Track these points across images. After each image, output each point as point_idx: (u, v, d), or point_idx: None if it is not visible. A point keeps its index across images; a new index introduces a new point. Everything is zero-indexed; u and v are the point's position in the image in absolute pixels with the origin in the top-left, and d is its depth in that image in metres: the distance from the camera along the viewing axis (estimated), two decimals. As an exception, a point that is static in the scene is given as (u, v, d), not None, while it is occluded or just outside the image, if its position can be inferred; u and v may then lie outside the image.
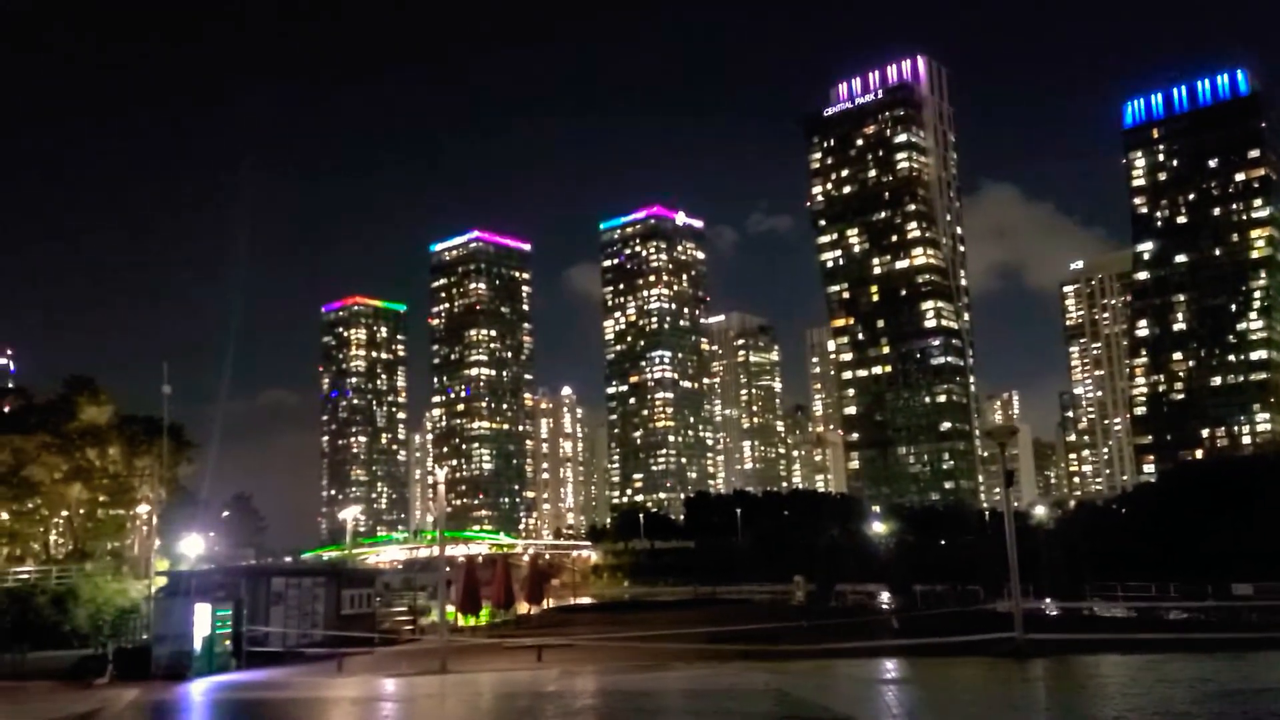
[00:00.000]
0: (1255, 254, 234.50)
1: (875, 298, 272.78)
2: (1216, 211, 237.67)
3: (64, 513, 63.72)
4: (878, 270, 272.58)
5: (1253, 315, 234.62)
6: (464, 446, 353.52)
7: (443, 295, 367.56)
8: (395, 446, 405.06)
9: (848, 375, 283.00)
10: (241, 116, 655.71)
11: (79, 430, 60.88)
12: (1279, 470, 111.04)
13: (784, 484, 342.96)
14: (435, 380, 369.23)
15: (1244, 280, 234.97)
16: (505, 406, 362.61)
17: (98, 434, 61.53)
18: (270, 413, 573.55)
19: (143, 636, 40.28)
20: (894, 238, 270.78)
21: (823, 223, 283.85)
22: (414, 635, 51.59)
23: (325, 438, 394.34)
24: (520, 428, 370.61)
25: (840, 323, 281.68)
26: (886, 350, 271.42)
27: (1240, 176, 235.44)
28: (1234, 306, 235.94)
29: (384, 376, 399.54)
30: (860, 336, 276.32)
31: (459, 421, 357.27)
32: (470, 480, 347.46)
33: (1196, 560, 70.30)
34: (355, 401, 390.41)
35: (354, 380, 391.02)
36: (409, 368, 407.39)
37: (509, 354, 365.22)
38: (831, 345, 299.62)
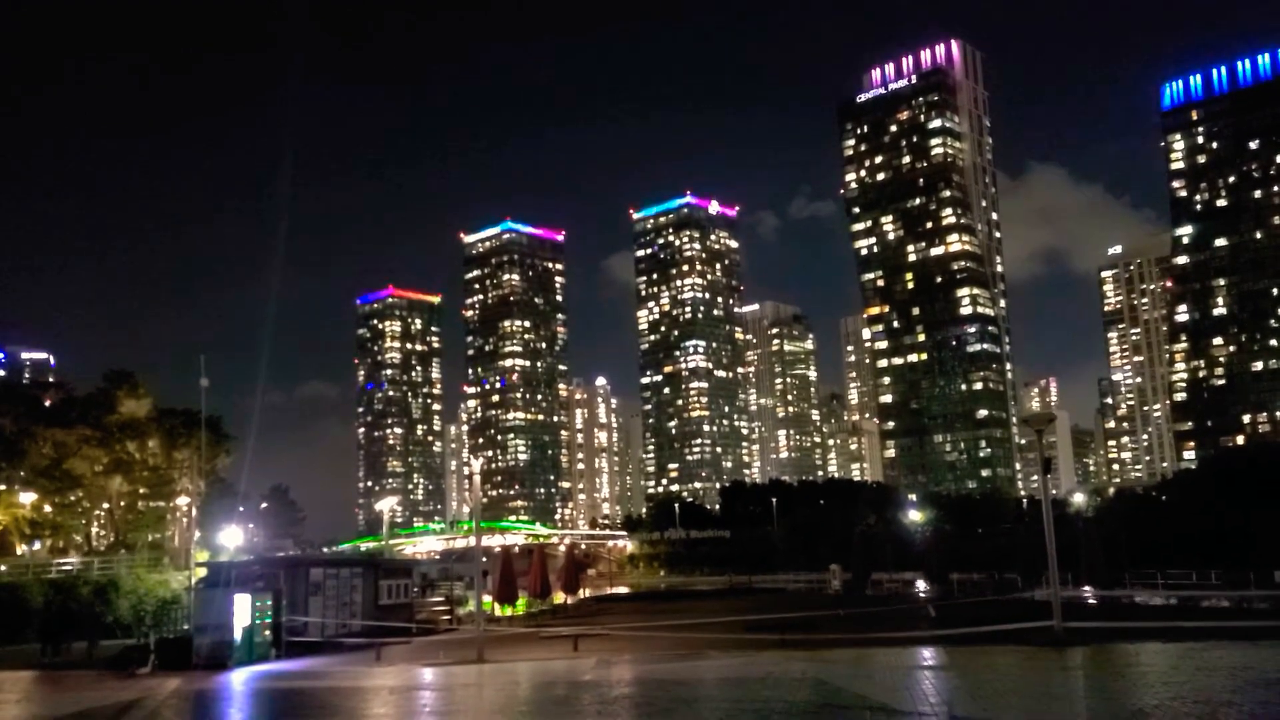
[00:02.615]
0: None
1: (910, 285, 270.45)
2: (1258, 194, 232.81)
3: (105, 505, 64.79)
4: (912, 257, 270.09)
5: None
6: (499, 437, 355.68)
7: (476, 287, 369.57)
8: (431, 438, 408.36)
9: (883, 363, 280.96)
10: (279, 114, 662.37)
11: (119, 423, 61.81)
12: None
13: (819, 473, 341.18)
14: (470, 371, 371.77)
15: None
16: (540, 397, 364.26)
17: (137, 427, 62.47)
18: (309, 405, 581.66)
19: (184, 627, 40.87)
20: (929, 224, 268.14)
21: (857, 210, 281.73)
22: (451, 625, 51.95)
23: (361, 430, 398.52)
24: (555, 418, 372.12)
25: (875, 310, 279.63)
26: (922, 338, 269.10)
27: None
28: (1276, 290, 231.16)
29: (419, 368, 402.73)
30: (895, 324, 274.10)
31: (494, 412, 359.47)
32: (505, 471, 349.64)
33: (1239, 548, 69.11)
34: (391, 393, 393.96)
35: (389, 372, 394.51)
36: (444, 359, 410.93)
37: (543, 345, 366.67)
38: (866, 333, 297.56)
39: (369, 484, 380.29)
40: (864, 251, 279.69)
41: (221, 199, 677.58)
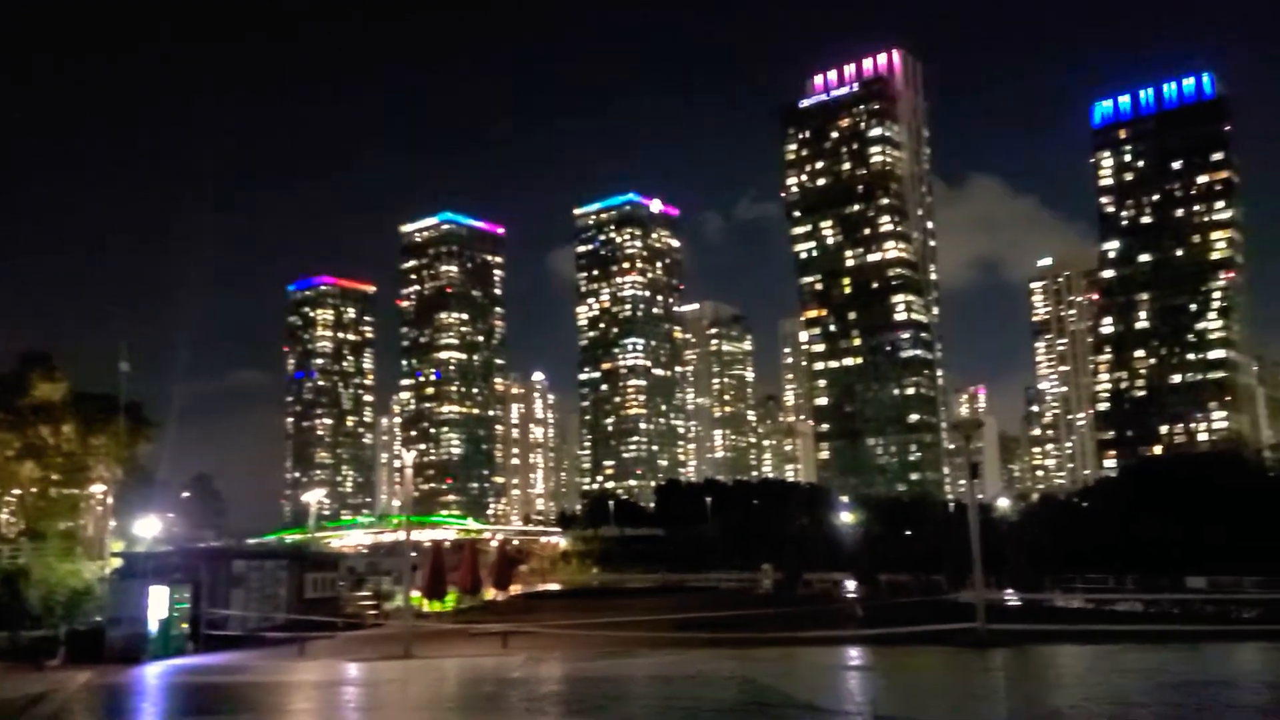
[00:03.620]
0: (1216, 255, 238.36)
1: (847, 290, 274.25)
2: (1180, 213, 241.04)
3: (15, 491, 62.50)
4: (850, 262, 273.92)
5: (1212, 315, 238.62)
6: (432, 430, 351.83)
7: (413, 277, 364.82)
8: (361, 429, 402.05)
9: (819, 366, 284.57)
10: (216, 95, 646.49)
11: (32, 407, 59.54)
12: (1234, 467, 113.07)
13: (754, 473, 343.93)
14: (404, 363, 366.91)
15: (1204, 281, 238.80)
16: (475, 391, 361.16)
17: (51, 411, 60.20)
18: (237, 393, 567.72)
19: (97, 619, 39.66)
20: (866, 231, 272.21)
21: (797, 214, 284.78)
22: (378, 620, 51.22)
23: (290, 419, 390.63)
24: (490, 412, 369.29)
25: (812, 314, 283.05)
26: (857, 342, 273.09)
27: (1203, 179, 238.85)
28: (1194, 306, 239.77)
29: (351, 358, 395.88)
30: (832, 328, 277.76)
31: (428, 405, 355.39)
32: (438, 465, 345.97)
33: (1154, 554, 71.31)
34: (321, 383, 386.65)
35: (320, 361, 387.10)
36: (377, 350, 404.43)
37: (480, 338, 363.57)
38: (803, 336, 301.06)
39: (296, 475, 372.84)
40: (803, 255, 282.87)
41: (153, 182, 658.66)
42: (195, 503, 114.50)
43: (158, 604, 33.42)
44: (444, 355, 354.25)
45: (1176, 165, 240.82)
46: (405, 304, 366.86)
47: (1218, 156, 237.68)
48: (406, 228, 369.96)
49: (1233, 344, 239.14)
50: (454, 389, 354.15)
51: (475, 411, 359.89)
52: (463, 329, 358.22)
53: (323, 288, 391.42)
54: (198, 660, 32.99)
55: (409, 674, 27.66)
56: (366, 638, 40.23)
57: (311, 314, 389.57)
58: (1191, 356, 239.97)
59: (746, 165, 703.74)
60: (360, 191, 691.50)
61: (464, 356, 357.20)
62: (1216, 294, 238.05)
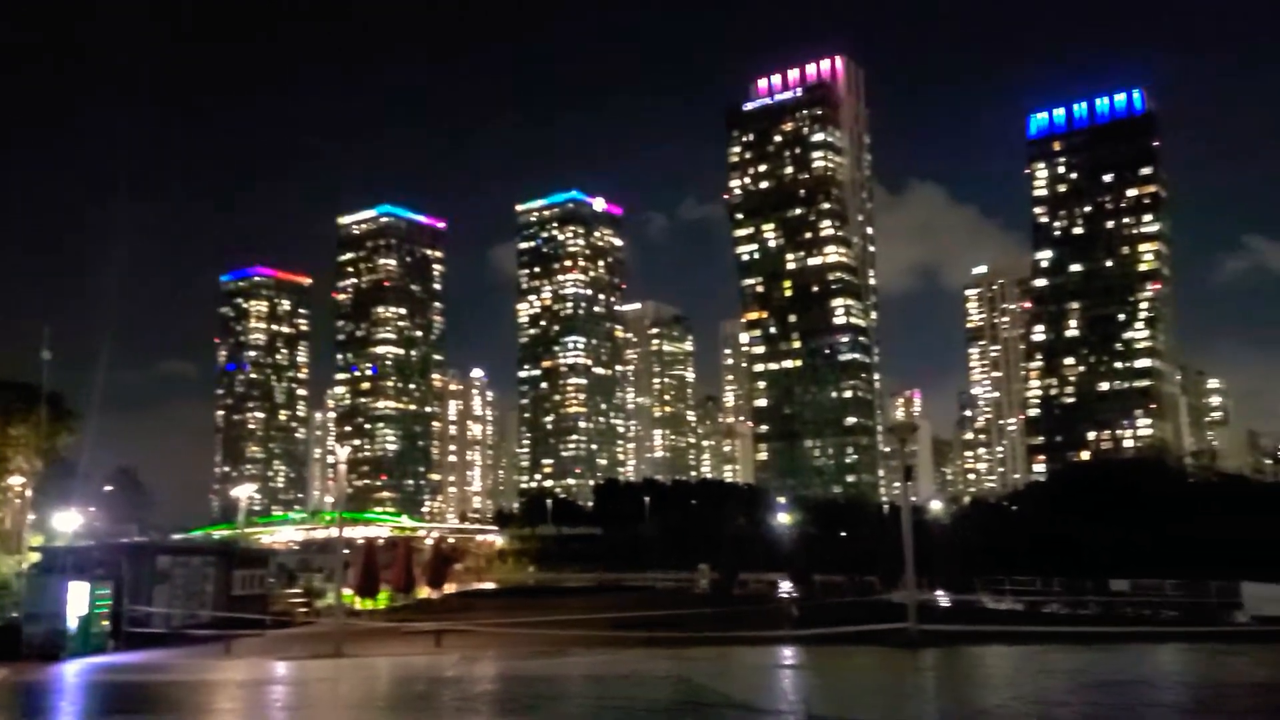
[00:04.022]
0: (1143, 267, 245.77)
1: (788, 293, 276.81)
2: (1110, 225, 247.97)
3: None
4: (791, 266, 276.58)
5: (1139, 325, 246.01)
6: (368, 426, 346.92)
7: (350, 270, 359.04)
8: (294, 424, 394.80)
9: (759, 368, 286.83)
10: (150, 77, 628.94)
11: (-54, 396, 57.48)
12: (1157, 474, 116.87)
13: (693, 473, 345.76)
14: (340, 357, 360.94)
15: (1132, 292, 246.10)
16: (413, 386, 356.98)
17: (-33, 400, 58.17)
18: (165, 385, 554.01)
19: (13, 615, 38.34)
20: (808, 234, 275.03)
21: (740, 216, 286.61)
22: (309, 618, 50.33)
23: (220, 412, 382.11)
24: (427, 408, 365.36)
25: (753, 316, 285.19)
26: (797, 345, 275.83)
27: (1133, 192, 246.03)
28: (1122, 316, 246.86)
29: (285, 351, 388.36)
30: (772, 330, 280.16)
31: (363, 400, 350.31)
32: (373, 461, 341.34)
33: (1080, 557, 73.25)
34: (254, 376, 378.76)
35: (253, 354, 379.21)
36: (312, 343, 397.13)
37: (418, 333, 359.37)
38: (744, 338, 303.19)
39: (226, 469, 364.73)
40: (745, 257, 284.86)
41: (82, 165, 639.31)
42: (118, 496, 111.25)
43: (78, 600, 32.44)
44: (381, 350, 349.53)
45: (1108, 178, 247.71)
46: (342, 297, 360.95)
47: (1146, 171, 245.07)
48: (344, 220, 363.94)
49: (1158, 354, 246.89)
50: (391, 384, 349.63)
51: (412, 407, 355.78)
52: (400, 324, 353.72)
53: (257, 279, 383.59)
54: (119, 658, 32.06)
55: (339, 673, 27.19)
56: (296, 636, 39.49)
57: (245, 305, 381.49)
58: (1119, 365, 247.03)
59: (692, 166, 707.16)
60: (299, 183, 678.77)
61: (401, 352, 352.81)
62: (1144, 305, 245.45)
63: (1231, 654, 26.23)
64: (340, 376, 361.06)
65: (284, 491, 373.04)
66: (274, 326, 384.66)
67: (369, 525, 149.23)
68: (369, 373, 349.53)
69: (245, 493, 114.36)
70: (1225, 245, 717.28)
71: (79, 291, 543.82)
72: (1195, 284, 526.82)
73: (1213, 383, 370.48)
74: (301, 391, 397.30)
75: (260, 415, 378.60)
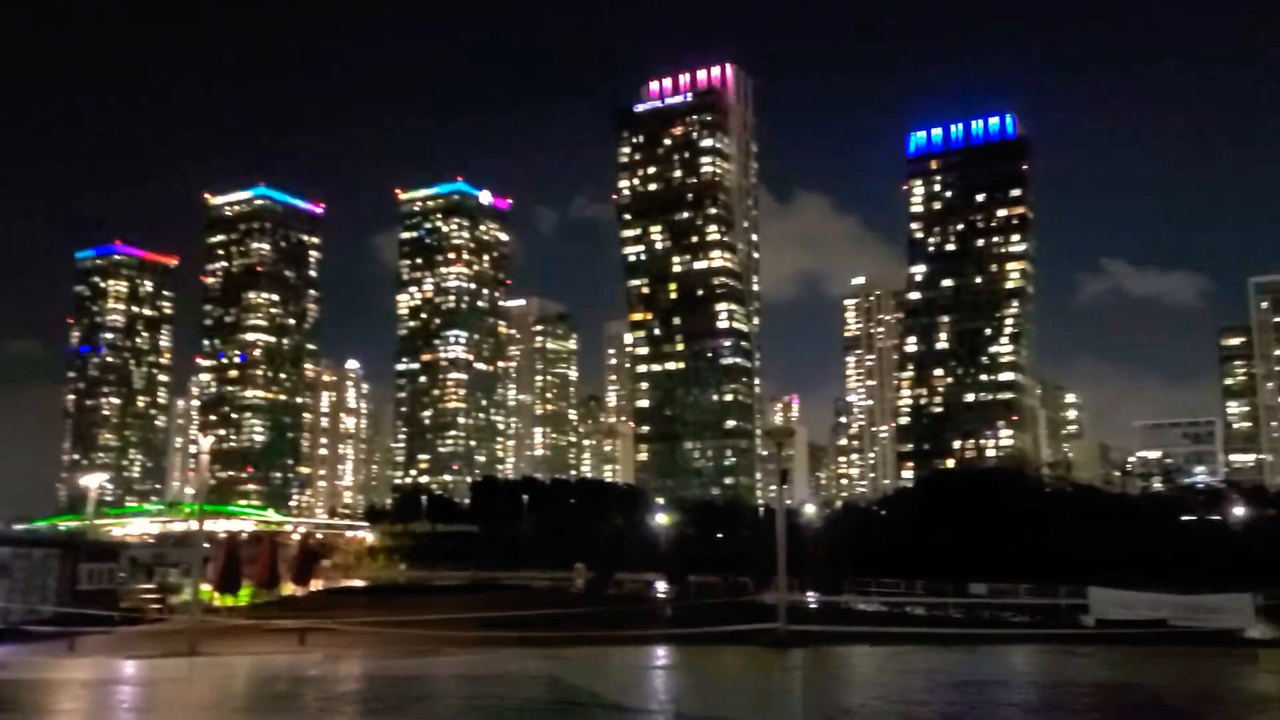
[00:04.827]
0: (1010, 285, 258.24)
1: (673, 295, 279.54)
2: (980, 243, 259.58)
3: None
4: (677, 268, 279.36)
5: (1004, 340, 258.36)
6: (234, 416, 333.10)
7: (220, 253, 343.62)
8: (154, 411, 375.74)
9: (642, 369, 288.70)
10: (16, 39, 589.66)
11: None
12: (1016, 483, 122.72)
13: (573, 472, 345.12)
14: (206, 343, 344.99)
15: (999, 308, 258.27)
16: (283, 376, 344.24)
17: None
18: (12, 365, 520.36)
19: None
20: (694, 238, 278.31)
21: (628, 217, 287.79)
22: (161, 615, 47.95)
23: (71, 396, 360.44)
24: (299, 399, 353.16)
25: (638, 317, 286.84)
26: (680, 347, 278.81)
27: (1003, 212, 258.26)
28: (989, 331, 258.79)
29: (146, 334, 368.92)
30: (656, 332, 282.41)
31: (230, 389, 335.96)
32: (239, 452, 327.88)
33: (943, 560, 76.13)
34: (110, 359, 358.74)
35: (110, 336, 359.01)
36: (176, 328, 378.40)
37: (291, 321, 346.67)
38: (628, 338, 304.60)
39: (76, 457, 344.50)
40: (632, 258, 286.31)
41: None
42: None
43: (-99, 594, 29.98)
44: (251, 337, 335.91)
45: (980, 198, 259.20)
46: (210, 280, 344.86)
47: (1016, 192, 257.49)
48: (215, 200, 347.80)
49: (1021, 368, 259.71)
50: (260, 373, 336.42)
51: (282, 398, 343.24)
52: (273, 310, 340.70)
53: (117, 257, 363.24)
54: (-53, 657, 29.79)
55: (193, 672, 25.94)
56: (147, 633, 37.62)
57: (103, 284, 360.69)
58: (984, 378, 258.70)
59: (585, 164, 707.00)
60: (170, 161, 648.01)
61: (273, 339, 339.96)
62: (1009, 321, 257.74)
63: (1077, 655, 27.63)
64: (206, 363, 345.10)
65: (140, 482, 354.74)
66: (134, 308, 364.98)
67: (232, 519, 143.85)
68: (237, 360, 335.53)
69: (96, 482, 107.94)
70: (1086, 267, 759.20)
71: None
72: (1057, 303, 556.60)
73: (1070, 397, 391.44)
74: (163, 377, 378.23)
75: (116, 401, 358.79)
